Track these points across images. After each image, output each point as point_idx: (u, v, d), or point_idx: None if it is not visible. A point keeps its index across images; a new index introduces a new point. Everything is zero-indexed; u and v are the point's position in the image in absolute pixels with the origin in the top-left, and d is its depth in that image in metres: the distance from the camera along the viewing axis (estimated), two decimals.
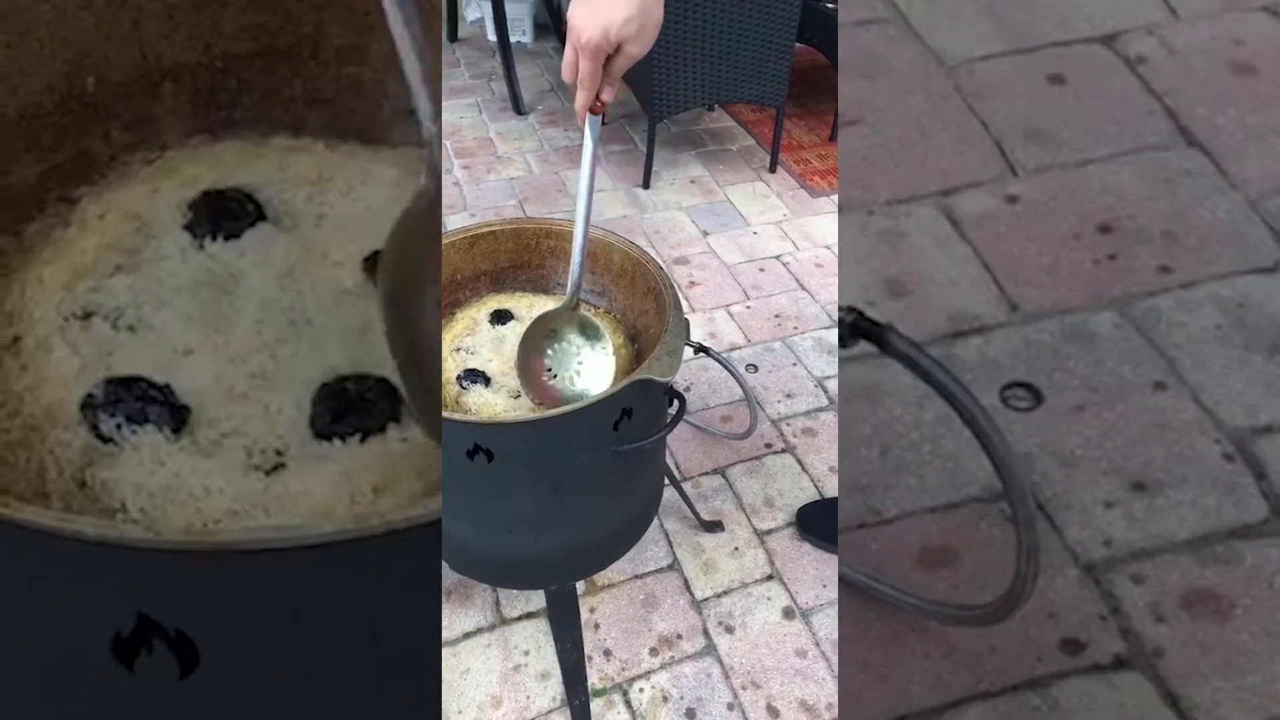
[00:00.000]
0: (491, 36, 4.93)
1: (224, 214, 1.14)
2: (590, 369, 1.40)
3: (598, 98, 1.18)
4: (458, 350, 1.47)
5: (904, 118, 1.62)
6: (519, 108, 4.39)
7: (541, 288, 1.67)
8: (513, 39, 4.34)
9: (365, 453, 1.04)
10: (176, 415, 1.03)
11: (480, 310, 1.56)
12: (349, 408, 1.04)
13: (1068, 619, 1.27)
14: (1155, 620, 1.26)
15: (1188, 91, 1.65)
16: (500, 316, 1.54)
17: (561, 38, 5.07)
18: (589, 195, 1.28)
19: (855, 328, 1.08)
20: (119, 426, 1.01)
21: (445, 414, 1.29)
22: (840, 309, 1.07)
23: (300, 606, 0.80)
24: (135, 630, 0.80)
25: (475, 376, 1.41)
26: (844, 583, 1.30)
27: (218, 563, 0.77)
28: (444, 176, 3.66)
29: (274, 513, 0.99)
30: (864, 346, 1.11)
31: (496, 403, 1.38)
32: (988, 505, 1.34)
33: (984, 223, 1.53)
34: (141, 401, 1.02)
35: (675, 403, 1.48)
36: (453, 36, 5.26)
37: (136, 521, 0.96)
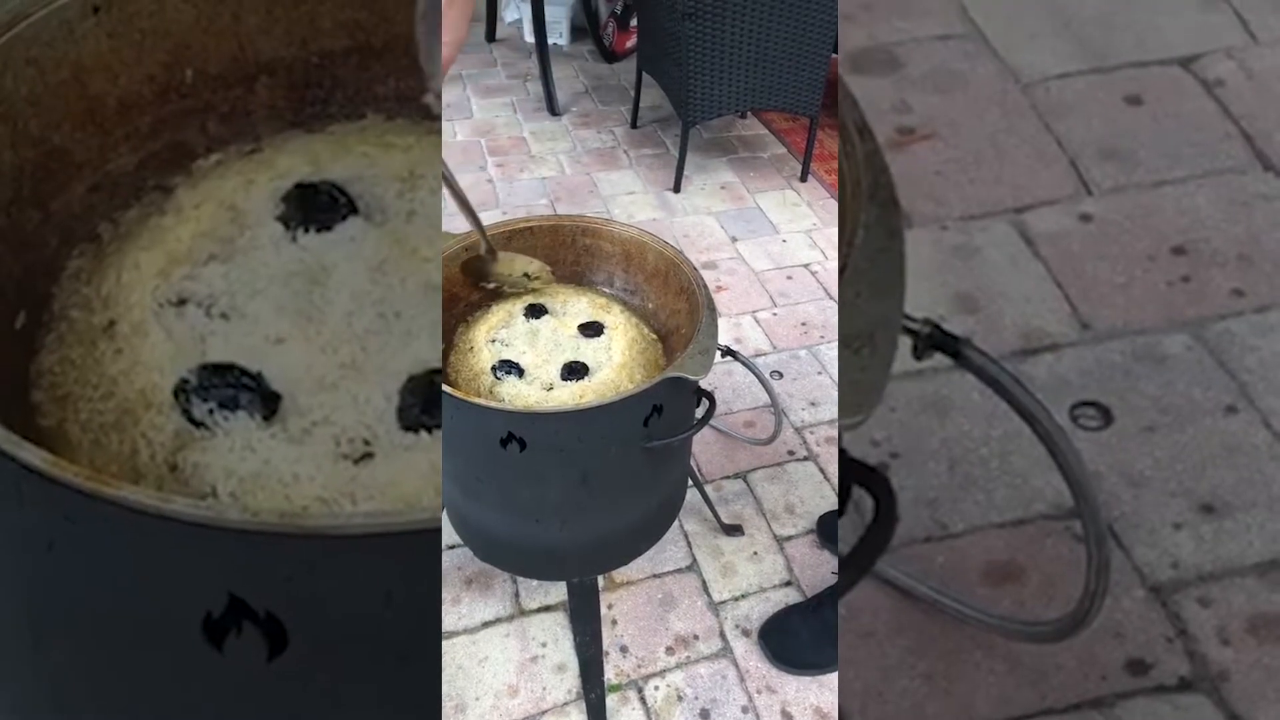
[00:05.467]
0: (529, 37, 4.97)
1: (316, 207, 1.16)
2: None
3: None
4: (493, 341, 1.49)
5: (979, 133, 1.63)
6: (553, 108, 4.40)
7: (576, 282, 1.69)
8: (549, 41, 4.36)
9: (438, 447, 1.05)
10: (268, 403, 1.04)
11: (516, 304, 1.57)
12: (436, 401, 1.06)
13: (1134, 639, 1.27)
14: (1221, 643, 1.26)
15: (1265, 115, 1.64)
16: (535, 310, 1.56)
17: (598, 40, 5.08)
18: None
19: (931, 340, 1.09)
20: (211, 412, 1.03)
21: (481, 401, 1.31)
22: (915, 320, 1.08)
23: (392, 592, 0.82)
24: (226, 611, 0.81)
25: (510, 367, 1.43)
26: (907, 594, 1.30)
27: (312, 547, 0.78)
28: (477, 174, 3.71)
29: (361, 501, 1.00)
30: (936, 359, 1.11)
31: (530, 394, 1.40)
32: (1055, 522, 1.34)
33: (1058, 241, 1.53)
34: (234, 388, 1.04)
35: (704, 403, 1.49)
36: (490, 37, 5.29)
37: (229, 506, 0.98)
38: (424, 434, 1.05)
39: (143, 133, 1.21)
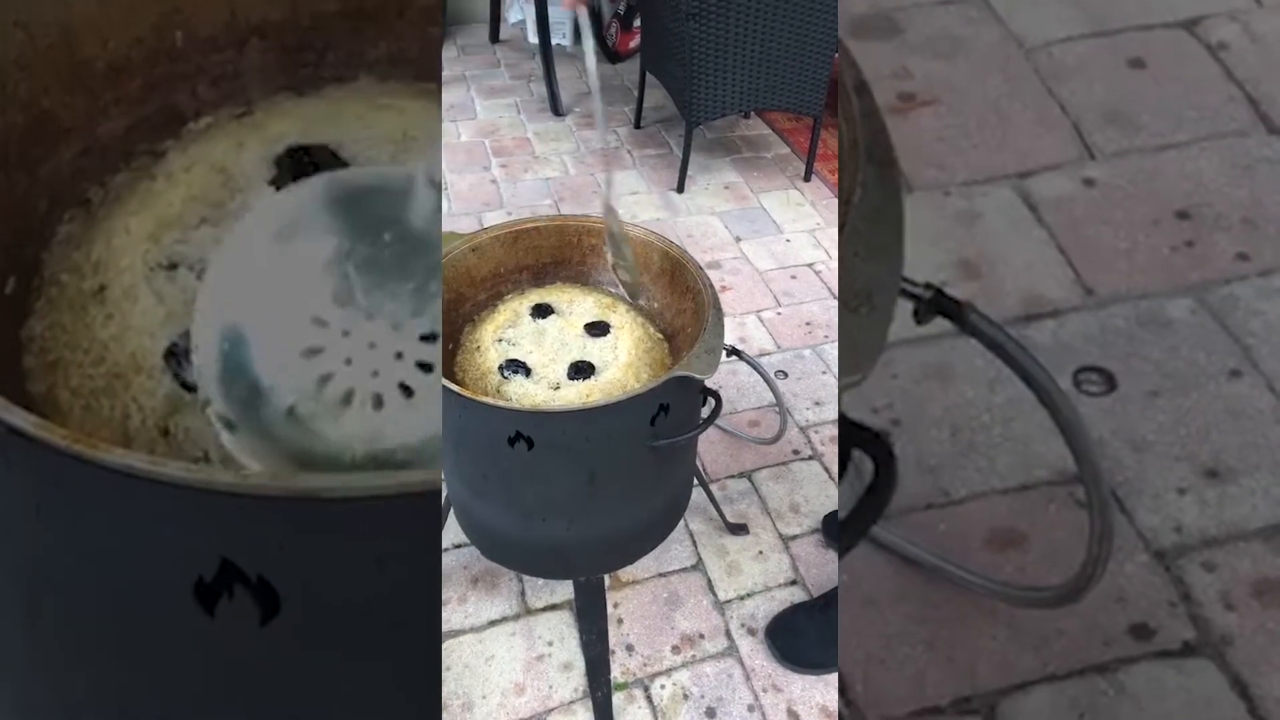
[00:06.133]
0: (532, 38, 4.93)
1: (308, 170, 1.15)
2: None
3: None
4: (500, 341, 1.49)
5: (981, 99, 1.61)
6: (557, 109, 4.38)
7: (582, 282, 1.68)
8: (553, 41, 4.34)
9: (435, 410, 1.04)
10: None
11: (522, 304, 1.57)
12: (434, 367, 1.05)
13: (1137, 604, 1.26)
14: (1225, 608, 1.25)
15: (1269, 78, 1.63)
16: (541, 310, 1.55)
17: (601, 41, 5.06)
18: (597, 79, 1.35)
19: (933, 305, 1.08)
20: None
21: (489, 401, 1.30)
22: (917, 285, 1.07)
23: (383, 556, 0.81)
24: (218, 575, 0.80)
25: (516, 367, 1.43)
26: (909, 561, 1.29)
27: (303, 509, 0.77)
28: (481, 174, 3.69)
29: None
30: (938, 325, 1.10)
31: (537, 393, 1.40)
32: (1057, 488, 1.33)
33: (1061, 206, 1.52)
34: None
35: (710, 402, 1.48)
36: (494, 38, 5.28)
37: (221, 470, 0.97)
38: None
39: (132, 96, 1.19)
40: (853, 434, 1.10)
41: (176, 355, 1.03)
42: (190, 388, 1.02)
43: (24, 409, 0.77)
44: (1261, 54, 1.65)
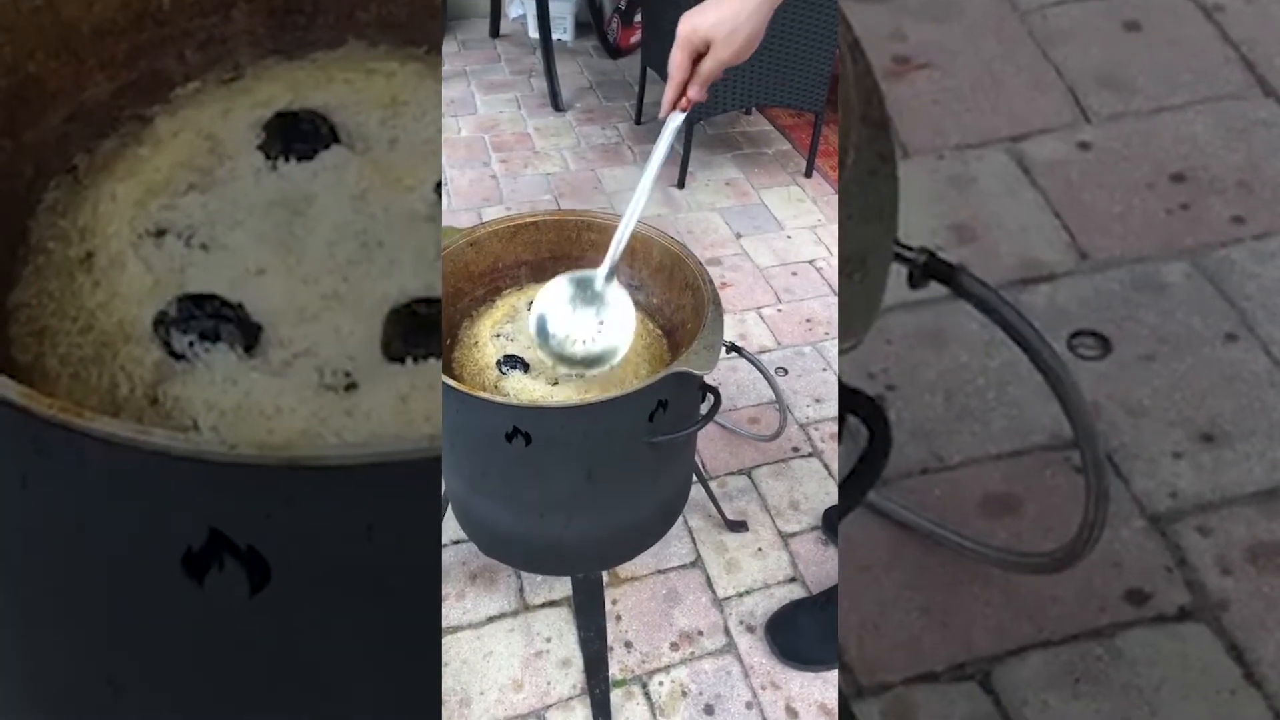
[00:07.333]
0: (533, 33, 4.92)
1: (297, 135, 1.13)
2: (609, 337, 1.40)
3: (684, 95, 1.30)
4: (498, 336, 1.48)
5: (976, 62, 1.60)
6: (557, 104, 4.36)
7: None
8: (553, 36, 4.31)
9: (435, 374, 1.03)
10: (249, 334, 1.02)
11: (521, 299, 1.57)
12: (420, 330, 1.04)
13: (1132, 569, 1.26)
14: (1221, 572, 1.25)
15: (1265, 41, 1.62)
16: None
17: (601, 36, 5.03)
18: (651, 186, 1.39)
19: (927, 269, 1.07)
20: (191, 344, 1.01)
21: (486, 396, 1.29)
22: (911, 249, 1.06)
23: (373, 524, 0.80)
24: (207, 545, 0.80)
25: (514, 362, 1.42)
26: (904, 527, 1.29)
27: (292, 479, 0.76)
28: (481, 170, 3.68)
29: (345, 433, 0.98)
30: (932, 290, 1.09)
31: (535, 389, 1.39)
32: (1052, 453, 1.33)
33: (1055, 169, 1.51)
34: (214, 319, 1.02)
35: (709, 398, 1.48)
36: (494, 33, 5.26)
37: (209, 439, 0.96)
38: (410, 363, 1.03)
39: (118, 61, 1.18)
40: (848, 399, 1.09)
41: (165, 323, 1.01)
42: (179, 356, 1.01)
43: (11, 378, 0.76)
44: (1257, 16, 1.64)
